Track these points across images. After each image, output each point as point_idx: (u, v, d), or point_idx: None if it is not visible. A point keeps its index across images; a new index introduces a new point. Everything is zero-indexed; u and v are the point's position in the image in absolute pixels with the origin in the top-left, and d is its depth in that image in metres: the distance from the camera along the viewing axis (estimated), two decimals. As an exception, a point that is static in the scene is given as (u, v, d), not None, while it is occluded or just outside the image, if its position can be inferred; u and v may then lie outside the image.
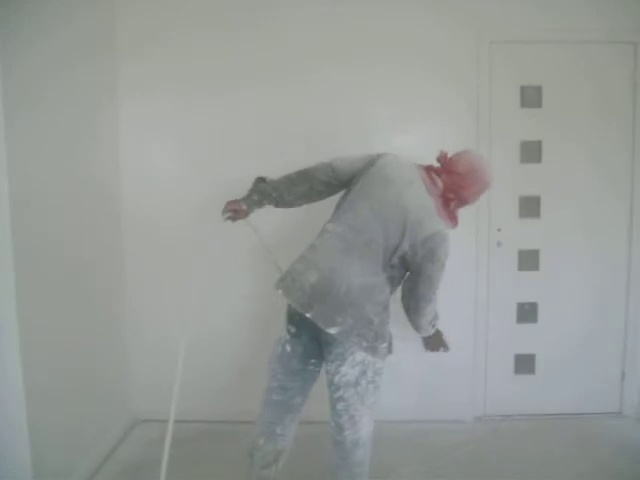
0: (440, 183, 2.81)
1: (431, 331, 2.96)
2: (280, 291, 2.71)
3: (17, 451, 2.83)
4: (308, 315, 2.64)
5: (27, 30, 2.88)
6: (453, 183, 2.80)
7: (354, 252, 2.68)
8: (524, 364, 4.21)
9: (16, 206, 2.74)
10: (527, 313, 4.18)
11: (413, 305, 2.80)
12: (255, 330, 4.08)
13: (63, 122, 3.23)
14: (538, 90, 4.02)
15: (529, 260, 4.12)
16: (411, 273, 2.76)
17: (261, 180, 3.06)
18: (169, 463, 2.77)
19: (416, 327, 2.90)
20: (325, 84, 3.93)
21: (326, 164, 2.94)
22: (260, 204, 2.99)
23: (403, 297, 2.85)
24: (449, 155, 2.89)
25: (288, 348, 2.82)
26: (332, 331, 2.62)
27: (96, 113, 3.69)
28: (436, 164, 2.90)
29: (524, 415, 4.18)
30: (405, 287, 2.82)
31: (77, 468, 3.33)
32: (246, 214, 2.98)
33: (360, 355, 2.67)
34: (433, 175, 2.83)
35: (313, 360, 2.83)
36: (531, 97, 4.03)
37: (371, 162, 2.85)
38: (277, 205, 3.01)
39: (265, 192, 2.97)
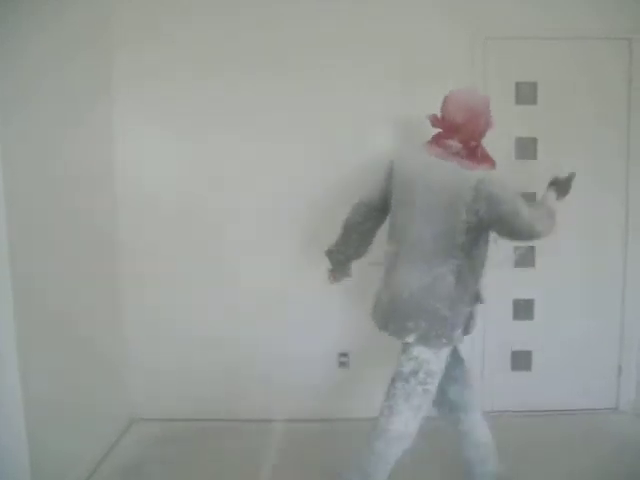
0: (453, 142, 2.79)
1: (553, 219, 2.83)
2: (373, 321, 2.96)
3: (15, 451, 2.84)
4: (387, 333, 2.83)
5: (24, 28, 2.87)
6: (465, 133, 2.80)
7: (409, 260, 2.81)
8: (521, 361, 4.22)
9: (9, 204, 2.74)
10: (523, 310, 4.19)
11: (526, 236, 2.71)
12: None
13: (56, 118, 3.22)
14: (533, 86, 4.03)
15: (524, 258, 4.14)
16: (495, 226, 2.70)
17: (329, 252, 3.27)
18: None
19: (549, 232, 2.76)
20: (322, 79, 3.92)
21: (356, 204, 3.11)
22: (344, 269, 3.29)
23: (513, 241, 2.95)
24: (438, 113, 2.89)
25: None
26: (410, 339, 2.77)
27: (90, 109, 3.68)
28: (435, 129, 2.91)
29: (521, 411, 4.19)
30: (504, 236, 2.76)
31: (75, 468, 3.33)
32: (347, 275, 3.32)
33: (416, 350, 2.78)
34: (443, 141, 2.83)
35: None
36: (526, 94, 4.03)
37: (389, 173, 2.99)
38: (354, 259, 3.25)
39: (338, 261, 3.25)
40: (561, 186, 3.06)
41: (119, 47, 3.91)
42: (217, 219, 4.02)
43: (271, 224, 4.03)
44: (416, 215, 2.79)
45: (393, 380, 2.85)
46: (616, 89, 4.02)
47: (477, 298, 2.85)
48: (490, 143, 2.89)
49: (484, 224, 2.69)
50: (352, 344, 4.12)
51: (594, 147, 4.04)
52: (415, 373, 2.78)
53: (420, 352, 2.77)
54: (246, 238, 4.03)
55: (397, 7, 3.90)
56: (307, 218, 4.00)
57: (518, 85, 4.03)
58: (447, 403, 3.07)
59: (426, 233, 2.76)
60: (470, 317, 2.87)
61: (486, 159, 2.81)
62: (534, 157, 4.07)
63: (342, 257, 3.23)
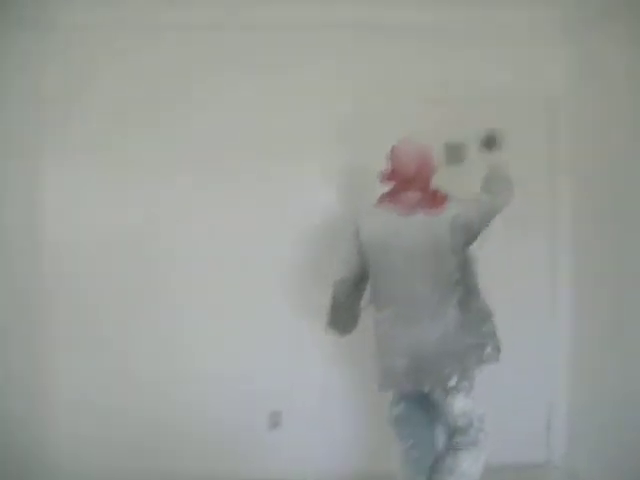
0: (413, 194, 2.88)
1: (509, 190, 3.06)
2: (389, 391, 3.07)
3: None
4: (425, 389, 2.90)
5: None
6: (421, 182, 2.90)
7: (411, 320, 2.85)
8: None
9: None
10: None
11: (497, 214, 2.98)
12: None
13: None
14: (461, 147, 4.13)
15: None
16: (474, 227, 2.91)
17: (329, 331, 3.25)
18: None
19: (508, 200, 3.03)
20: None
21: (339, 282, 3.09)
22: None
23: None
24: (386, 169, 2.96)
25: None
26: (452, 383, 2.86)
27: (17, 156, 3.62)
28: (386, 185, 2.98)
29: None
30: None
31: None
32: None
33: (460, 404, 2.98)
34: (402, 195, 2.91)
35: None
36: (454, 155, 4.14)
37: (358, 242, 2.99)
38: (351, 329, 3.22)
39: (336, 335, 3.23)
40: (490, 142, 3.29)
41: (48, 101, 3.87)
42: (144, 281, 3.96)
43: (200, 284, 3.98)
44: (402, 276, 2.86)
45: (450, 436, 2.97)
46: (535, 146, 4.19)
47: (488, 312, 2.99)
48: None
49: (469, 243, 2.92)
50: (285, 402, 4.05)
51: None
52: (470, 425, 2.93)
53: (465, 406, 2.92)
54: (172, 299, 3.99)
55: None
56: (234, 273, 3.98)
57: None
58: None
59: (420, 288, 2.84)
60: (493, 334, 3.00)
61: (444, 197, 2.91)
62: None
63: (338, 334, 3.23)
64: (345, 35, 3.95)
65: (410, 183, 2.89)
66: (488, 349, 2.96)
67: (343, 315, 3.14)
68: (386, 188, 3.08)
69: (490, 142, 3.29)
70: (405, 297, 2.88)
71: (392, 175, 2.94)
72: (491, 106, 4.07)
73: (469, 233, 2.89)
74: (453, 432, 2.97)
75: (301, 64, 3.95)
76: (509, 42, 4.11)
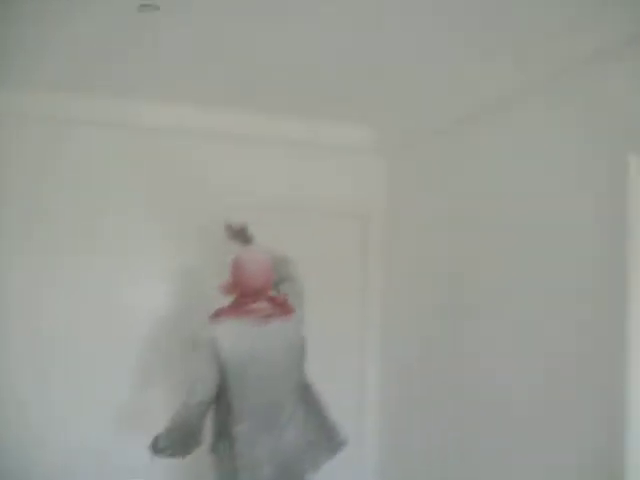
0: (262, 305, 2.88)
1: None
2: None
3: None
4: None
5: None
6: (267, 291, 2.92)
7: (272, 426, 2.81)
8: None
9: None
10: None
11: None
12: None
13: None
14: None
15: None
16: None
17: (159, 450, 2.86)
18: None
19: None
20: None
21: (193, 405, 2.76)
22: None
23: None
24: (228, 280, 2.94)
25: None
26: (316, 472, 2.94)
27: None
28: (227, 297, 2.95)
29: None
30: None
31: None
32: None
33: None
34: (251, 307, 2.86)
35: None
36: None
37: (212, 351, 2.78)
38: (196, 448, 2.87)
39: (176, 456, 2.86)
40: (239, 234, 3.33)
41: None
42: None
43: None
44: (263, 385, 2.81)
45: None
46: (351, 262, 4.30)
47: (323, 402, 3.04)
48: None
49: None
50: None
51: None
52: None
53: None
54: None
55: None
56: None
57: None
58: None
59: (280, 394, 2.86)
60: (333, 423, 3.03)
61: (288, 303, 2.95)
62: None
63: (182, 455, 2.86)
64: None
65: (259, 294, 2.88)
66: (338, 438, 3.02)
67: (192, 438, 2.79)
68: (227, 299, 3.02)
69: (242, 235, 3.34)
70: (267, 405, 2.84)
71: (236, 287, 2.91)
72: (309, 216, 4.20)
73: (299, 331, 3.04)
74: None
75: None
76: (329, 157, 4.34)
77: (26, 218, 3.86)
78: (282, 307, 2.92)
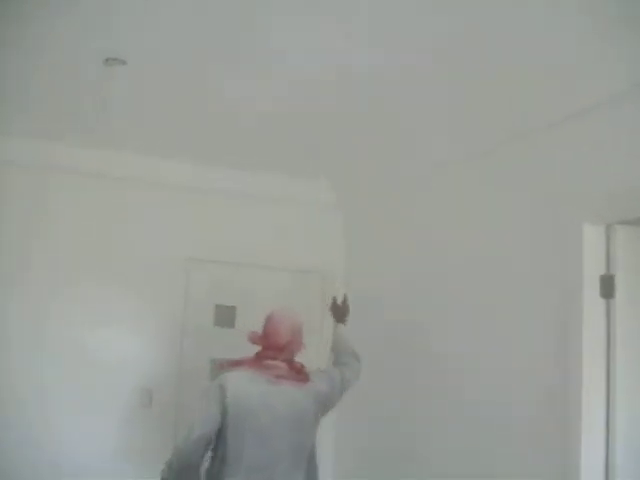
0: (279, 364, 2.83)
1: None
2: None
3: None
4: None
5: None
6: (288, 353, 2.87)
7: None
8: None
9: None
10: None
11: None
12: None
13: None
14: (232, 310, 4.19)
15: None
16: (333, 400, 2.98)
17: None
18: None
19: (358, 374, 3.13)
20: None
21: (197, 440, 2.73)
22: None
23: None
24: (257, 332, 2.92)
25: None
26: None
27: None
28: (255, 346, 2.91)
29: None
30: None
31: None
32: None
33: None
34: (268, 362, 2.84)
35: None
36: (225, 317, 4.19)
37: (223, 403, 2.75)
38: None
39: None
40: (339, 311, 3.33)
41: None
42: None
43: None
44: (262, 442, 2.75)
45: None
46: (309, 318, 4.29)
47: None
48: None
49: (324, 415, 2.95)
50: None
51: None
52: None
53: None
54: None
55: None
56: None
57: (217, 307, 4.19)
58: None
59: (279, 456, 2.77)
60: None
61: (307, 372, 2.91)
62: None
63: None
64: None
65: (279, 352, 2.87)
66: None
67: (190, 472, 2.78)
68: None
69: (342, 311, 3.35)
70: (263, 464, 2.76)
71: (263, 339, 2.91)
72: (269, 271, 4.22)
73: (324, 408, 2.95)
74: None
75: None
76: (288, 211, 4.39)
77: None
78: (297, 373, 2.90)
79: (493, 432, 2.93)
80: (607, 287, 2.52)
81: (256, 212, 4.33)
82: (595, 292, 2.52)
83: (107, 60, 2.70)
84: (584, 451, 2.45)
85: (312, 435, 2.92)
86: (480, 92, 2.77)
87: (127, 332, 4.04)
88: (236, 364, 2.92)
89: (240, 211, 4.31)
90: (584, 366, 2.47)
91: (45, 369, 3.88)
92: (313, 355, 4.27)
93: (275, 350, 2.88)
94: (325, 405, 2.95)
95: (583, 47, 2.27)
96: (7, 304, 3.87)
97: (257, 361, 2.89)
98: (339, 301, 3.38)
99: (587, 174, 2.59)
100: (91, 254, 4.04)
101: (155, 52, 2.67)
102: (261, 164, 4.13)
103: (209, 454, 2.83)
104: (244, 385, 2.82)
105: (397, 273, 3.90)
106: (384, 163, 3.91)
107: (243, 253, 4.23)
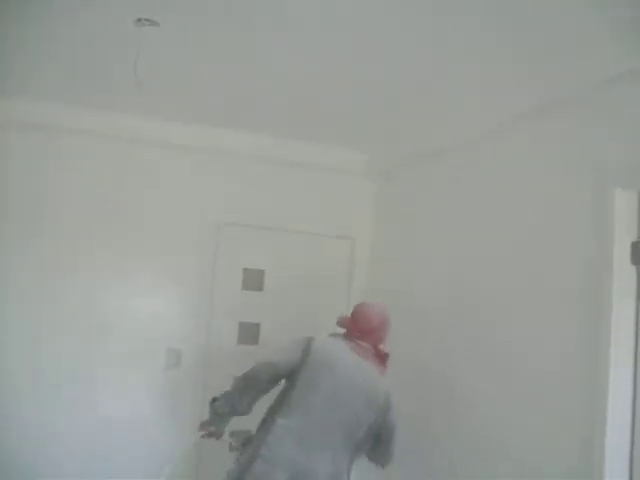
0: (366, 344, 2.95)
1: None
2: None
3: None
4: None
5: None
6: (376, 338, 2.98)
7: (314, 444, 2.74)
8: None
9: None
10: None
11: (387, 459, 2.96)
12: None
13: None
14: (261, 274, 4.22)
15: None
16: (377, 437, 2.89)
17: (215, 401, 2.98)
18: None
19: (390, 458, 2.98)
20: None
21: (267, 363, 2.91)
22: (222, 422, 2.97)
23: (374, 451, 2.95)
24: (347, 316, 3.06)
25: None
26: None
27: None
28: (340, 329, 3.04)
29: None
30: (374, 450, 2.94)
31: None
32: (220, 435, 2.98)
33: None
34: (358, 342, 2.96)
35: None
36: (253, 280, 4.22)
37: (306, 350, 2.89)
38: (237, 415, 2.95)
39: (221, 413, 2.95)
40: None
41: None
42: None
43: None
44: (329, 400, 2.80)
45: None
46: (340, 281, 4.32)
47: None
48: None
49: (374, 429, 2.85)
50: None
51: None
52: None
53: None
54: None
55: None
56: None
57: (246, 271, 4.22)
58: None
59: (335, 419, 2.80)
60: None
61: (384, 364, 2.99)
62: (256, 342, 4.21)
63: (227, 409, 2.95)
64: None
65: (367, 335, 2.99)
66: None
67: (251, 393, 2.94)
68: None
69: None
70: (314, 421, 2.80)
71: (351, 322, 3.05)
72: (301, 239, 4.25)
73: (385, 421, 2.88)
74: None
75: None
76: (320, 178, 4.41)
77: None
78: (380, 358, 3.00)
79: (523, 388, 2.92)
80: (638, 254, 2.48)
81: (286, 178, 4.36)
82: (626, 259, 2.48)
83: (139, 20, 2.69)
84: (610, 406, 2.44)
85: (369, 428, 2.86)
86: (511, 60, 2.72)
87: (158, 295, 4.11)
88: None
89: (271, 177, 4.33)
90: (612, 331, 2.45)
91: (76, 331, 3.96)
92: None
93: (364, 332, 3.00)
94: (381, 422, 2.88)
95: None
96: (44, 264, 3.95)
97: (347, 336, 3.03)
98: None
99: (620, 140, 2.54)
100: (123, 219, 4.09)
101: (189, 14, 2.64)
102: (293, 131, 4.13)
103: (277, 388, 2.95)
104: (330, 345, 2.99)
105: (424, 244, 3.90)
106: (416, 133, 3.89)
107: (273, 218, 4.28)
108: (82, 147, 4.04)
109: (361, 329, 3.01)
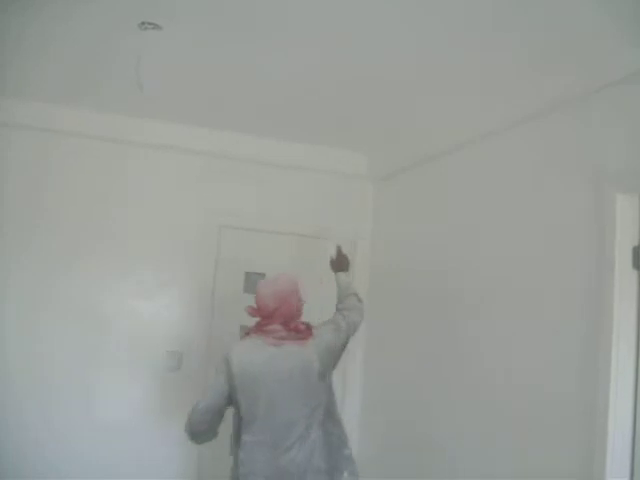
0: (275, 327, 2.93)
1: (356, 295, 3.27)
2: None
3: None
4: None
5: None
6: (280, 317, 2.94)
7: (279, 445, 2.83)
8: None
9: None
10: None
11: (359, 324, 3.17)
12: None
13: None
14: (261, 277, 4.20)
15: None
16: (336, 349, 3.02)
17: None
18: None
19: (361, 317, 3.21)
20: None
21: (200, 410, 2.94)
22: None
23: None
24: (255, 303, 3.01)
25: None
26: None
27: None
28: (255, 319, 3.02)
29: None
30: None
31: None
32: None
33: None
34: (265, 328, 2.95)
35: None
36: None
37: (229, 374, 2.93)
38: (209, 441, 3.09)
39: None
40: (339, 262, 3.44)
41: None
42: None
43: None
44: (273, 403, 2.87)
45: None
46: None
47: (346, 437, 3.04)
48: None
49: (334, 367, 3.02)
50: None
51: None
52: None
53: None
54: None
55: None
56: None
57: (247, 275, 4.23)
58: None
59: (290, 414, 2.87)
60: (351, 459, 3.02)
61: (308, 329, 2.99)
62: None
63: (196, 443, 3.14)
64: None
65: (271, 318, 2.96)
66: (345, 474, 2.96)
67: (206, 437, 3.06)
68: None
69: (340, 260, 3.46)
70: (276, 424, 2.89)
71: (256, 311, 3.02)
72: (296, 238, 4.27)
73: (333, 356, 3.00)
74: None
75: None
76: (320, 181, 4.43)
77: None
78: (296, 332, 2.97)
79: (520, 402, 2.93)
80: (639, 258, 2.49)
81: (287, 181, 4.37)
82: (628, 263, 2.48)
83: (142, 24, 2.70)
84: (612, 410, 2.44)
85: (325, 389, 2.97)
86: (512, 59, 2.74)
87: (158, 297, 4.12)
88: (246, 334, 3.09)
89: (271, 180, 4.35)
90: (614, 336, 2.45)
91: (76, 333, 3.97)
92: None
93: (268, 318, 2.97)
94: (334, 353, 3.00)
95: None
96: (44, 265, 3.96)
97: (259, 328, 3.00)
98: (335, 254, 3.49)
99: (621, 144, 2.55)
100: (123, 220, 4.10)
101: (191, 18, 2.66)
102: (293, 134, 4.14)
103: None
104: (248, 353, 2.96)
105: (423, 245, 3.91)
106: (416, 135, 3.89)
107: (273, 221, 4.30)
108: (82, 148, 4.05)
109: (266, 315, 2.98)
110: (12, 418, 3.79)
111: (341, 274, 3.42)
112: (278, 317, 2.95)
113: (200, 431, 3.00)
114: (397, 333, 4.10)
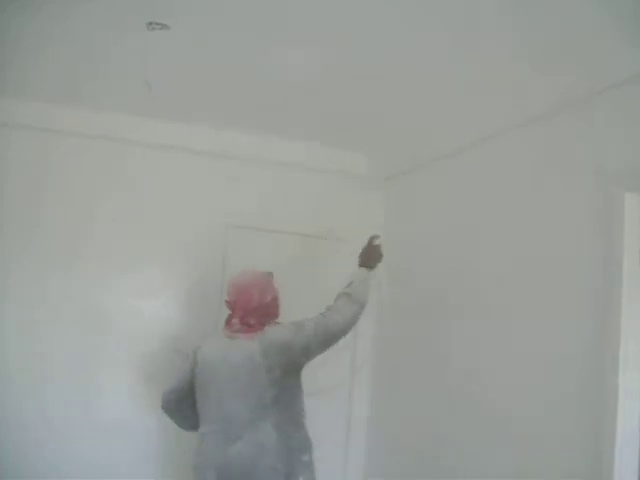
0: (235, 320, 3.04)
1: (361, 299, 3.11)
2: None
3: None
4: None
5: None
6: (239, 310, 3.05)
7: (228, 438, 2.90)
8: None
9: None
10: None
11: (341, 335, 3.04)
12: None
13: None
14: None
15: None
16: (309, 355, 3.00)
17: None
18: None
19: (356, 313, 3.08)
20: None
21: (165, 393, 3.26)
22: None
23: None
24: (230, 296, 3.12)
25: None
26: None
27: None
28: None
29: None
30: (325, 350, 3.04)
31: None
32: None
33: None
34: (230, 321, 3.08)
35: None
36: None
37: (194, 361, 3.15)
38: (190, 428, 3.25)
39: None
40: (368, 254, 3.28)
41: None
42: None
43: None
44: (222, 395, 2.97)
45: None
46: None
47: (309, 443, 3.03)
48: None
49: (292, 367, 2.98)
50: None
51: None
52: None
53: None
54: None
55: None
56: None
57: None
58: None
59: (237, 407, 2.93)
60: (310, 466, 3.00)
61: (260, 325, 3.03)
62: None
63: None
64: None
65: (234, 310, 3.10)
66: (300, 479, 2.96)
67: (178, 419, 3.31)
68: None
69: (372, 253, 3.28)
70: (225, 415, 2.97)
71: (228, 304, 3.15)
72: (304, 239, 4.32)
73: (286, 354, 2.95)
74: None
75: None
76: (328, 181, 4.43)
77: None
78: (247, 326, 3.04)
79: (527, 403, 2.94)
80: (647, 258, 2.50)
81: (295, 181, 4.36)
82: (635, 262, 2.50)
83: (150, 24, 2.68)
84: (620, 410, 2.44)
85: (275, 385, 2.93)
86: (514, 59, 2.74)
87: (163, 297, 4.11)
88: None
89: (279, 180, 4.34)
90: (622, 336, 2.46)
91: (76, 333, 3.95)
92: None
93: (232, 310, 3.12)
94: (285, 351, 2.93)
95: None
96: (45, 265, 3.95)
97: (226, 321, 3.16)
98: (375, 242, 3.33)
99: (628, 142, 2.56)
100: (126, 221, 4.08)
101: (198, 17, 2.66)
102: (301, 134, 4.13)
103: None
104: (212, 344, 3.17)
105: (423, 246, 3.93)
106: (417, 136, 3.89)
107: (281, 221, 4.29)
108: (82, 148, 4.02)
109: (230, 307, 3.13)
110: (12, 418, 3.77)
111: (361, 270, 3.23)
112: (239, 310, 3.06)
113: (170, 409, 3.27)
114: (397, 334, 4.11)
